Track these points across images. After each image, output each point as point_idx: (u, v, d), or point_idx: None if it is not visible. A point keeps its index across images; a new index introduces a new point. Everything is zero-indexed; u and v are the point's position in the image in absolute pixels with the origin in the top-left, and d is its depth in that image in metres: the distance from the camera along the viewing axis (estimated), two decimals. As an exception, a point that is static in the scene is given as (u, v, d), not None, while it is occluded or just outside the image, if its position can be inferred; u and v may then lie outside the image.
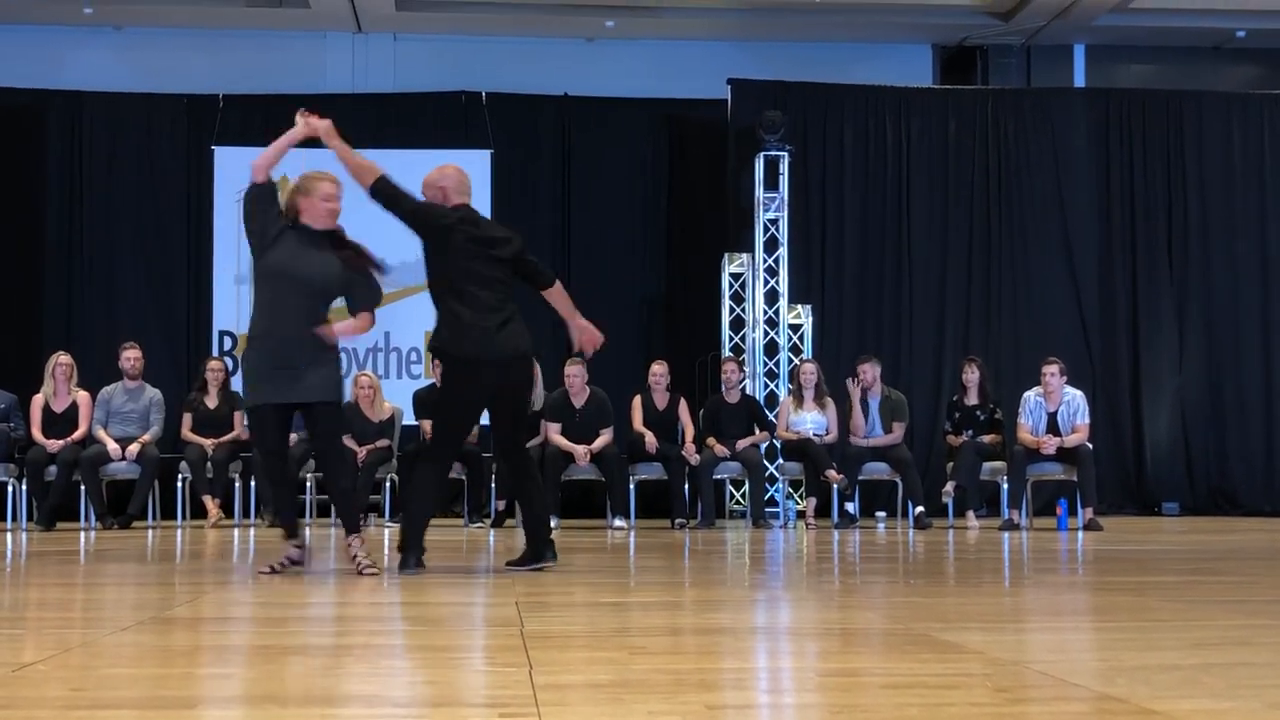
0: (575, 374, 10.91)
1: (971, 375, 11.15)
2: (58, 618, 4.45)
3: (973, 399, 11.13)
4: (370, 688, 2.92)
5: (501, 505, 10.94)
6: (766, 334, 12.92)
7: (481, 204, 13.27)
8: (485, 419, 6.38)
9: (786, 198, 12.99)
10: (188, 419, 11.22)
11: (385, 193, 5.93)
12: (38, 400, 10.80)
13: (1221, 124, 13.86)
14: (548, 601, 4.73)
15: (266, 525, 10.58)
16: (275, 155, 5.91)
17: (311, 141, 6.06)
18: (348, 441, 11.00)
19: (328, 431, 5.97)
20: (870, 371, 11.21)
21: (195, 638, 3.84)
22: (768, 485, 11.77)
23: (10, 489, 10.70)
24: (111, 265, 13.30)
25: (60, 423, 10.74)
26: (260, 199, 5.86)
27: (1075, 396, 10.82)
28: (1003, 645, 3.58)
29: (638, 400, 11.19)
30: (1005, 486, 10.77)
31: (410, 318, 13.08)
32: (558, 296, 6.15)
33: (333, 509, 6.19)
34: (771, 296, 12.97)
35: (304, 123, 5.99)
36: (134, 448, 10.65)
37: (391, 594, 5.11)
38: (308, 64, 13.81)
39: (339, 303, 6.06)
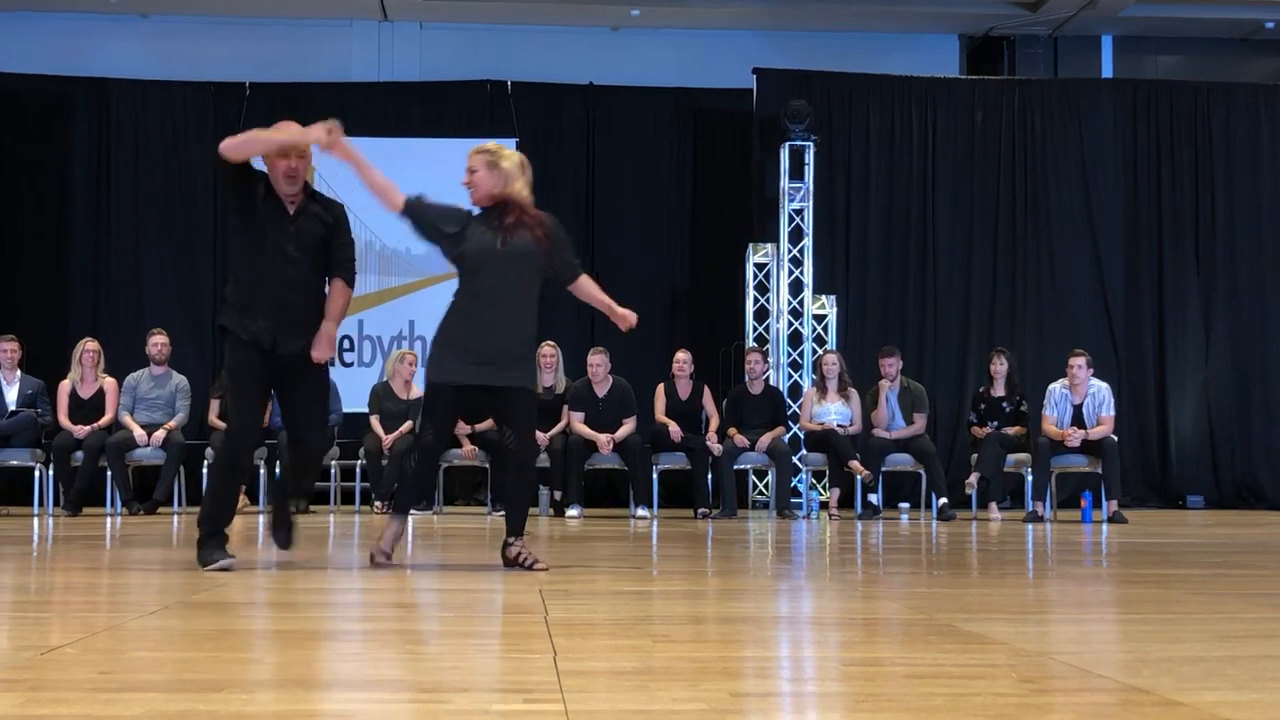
0: (598, 363, 10.92)
1: (1000, 367, 11.11)
2: (84, 602, 4.47)
3: (1000, 390, 11.09)
4: (395, 672, 2.93)
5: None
6: (791, 324, 12.91)
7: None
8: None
9: (811, 188, 12.97)
10: (215, 405, 11.24)
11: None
12: (64, 386, 10.86)
13: (1249, 115, 13.79)
14: (571, 589, 4.74)
15: (292, 512, 10.62)
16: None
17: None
18: (375, 425, 11.04)
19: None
20: (894, 365, 11.19)
21: (221, 622, 3.85)
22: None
23: (37, 474, 10.76)
24: (138, 252, 13.37)
25: (87, 409, 10.80)
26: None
27: (1100, 389, 10.79)
28: (1027, 636, 3.57)
29: (660, 389, 11.19)
30: (1030, 478, 10.74)
31: (435, 307, 13.11)
32: None
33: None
34: (796, 287, 12.96)
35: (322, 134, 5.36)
36: (160, 434, 10.70)
37: (415, 580, 5.12)
38: (334, 52, 13.85)
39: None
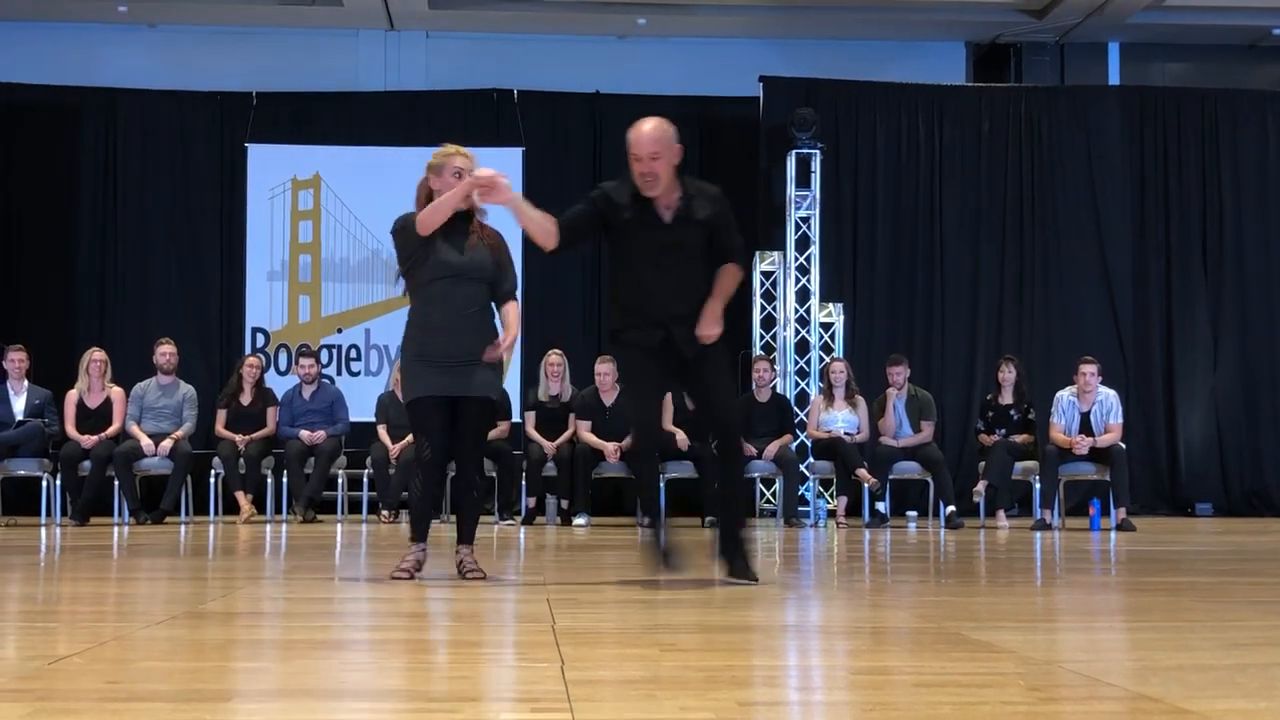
0: (605, 372, 10.92)
1: (1008, 374, 11.09)
2: (91, 611, 4.47)
3: (1007, 398, 11.08)
4: (403, 682, 2.93)
5: (532, 502, 10.94)
6: (798, 332, 12.91)
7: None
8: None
9: (818, 196, 12.97)
10: (222, 415, 11.28)
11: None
12: (72, 396, 10.87)
13: (1257, 122, 13.77)
14: (579, 598, 4.74)
15: (299, 521, 10.63)
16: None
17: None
18: (382, 434, 11.04)
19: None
20: (902, 373, 11.18)
21: (228, 632, 3.85)
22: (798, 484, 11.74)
23: (45, 484, 10.77)
24: (145, 262, 13.38)
25: (94, 418, 10.81)
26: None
27: (1108, 396, 10.77)
28: (1035, 644, 3.56)
29: (668, 398, 11.17)
30: (1037, 486, 10.72)
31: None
32: None
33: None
34: (803, 295, 12.95)
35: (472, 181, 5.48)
36: (167, 443, 10.71)
37: (423, 590, 5.12)
38: (340, 62, 13.86)
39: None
